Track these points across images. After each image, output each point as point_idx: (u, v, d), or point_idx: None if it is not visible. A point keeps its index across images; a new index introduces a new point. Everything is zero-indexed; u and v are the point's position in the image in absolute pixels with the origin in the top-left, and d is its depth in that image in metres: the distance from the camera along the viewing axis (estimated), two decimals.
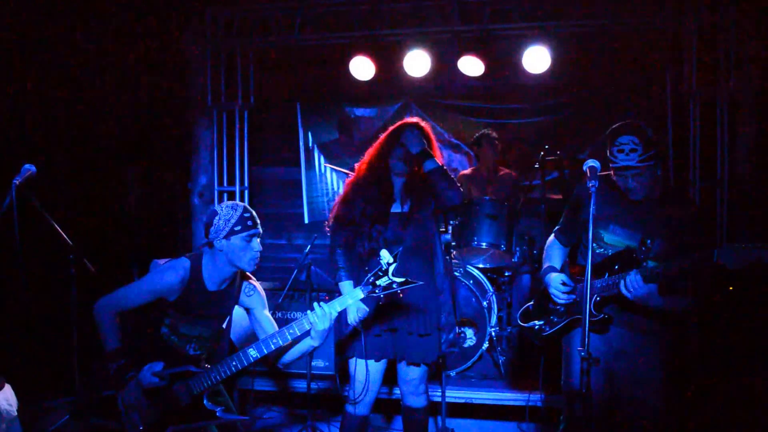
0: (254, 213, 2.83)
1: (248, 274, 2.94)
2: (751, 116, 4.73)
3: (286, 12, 5.15)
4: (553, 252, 3.07)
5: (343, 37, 5.16)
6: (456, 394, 4.13)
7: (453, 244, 4.60)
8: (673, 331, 2.85)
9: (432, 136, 3.25)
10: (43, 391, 4.14)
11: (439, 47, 5.17)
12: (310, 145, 6.08)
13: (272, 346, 2.65)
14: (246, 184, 5.59)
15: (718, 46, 4.64)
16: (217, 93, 5.40)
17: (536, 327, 3.02)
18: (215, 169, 5.51)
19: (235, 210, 2.77)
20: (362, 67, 5.14)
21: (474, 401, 4.15)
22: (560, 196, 4.91)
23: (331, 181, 6.09)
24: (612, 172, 2.74)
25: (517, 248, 4.74)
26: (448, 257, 3.37)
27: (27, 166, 3.04)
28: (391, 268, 2.52)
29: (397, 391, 3.28)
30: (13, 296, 3.67)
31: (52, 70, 5.00)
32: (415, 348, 3.06)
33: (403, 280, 2.52)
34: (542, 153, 4.61)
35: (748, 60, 4.67)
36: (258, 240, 2.80)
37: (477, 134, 5.37)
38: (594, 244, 2.84)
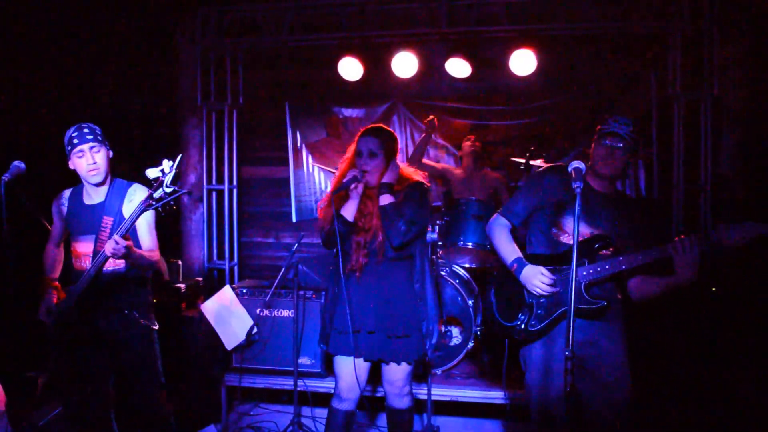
0: (87, 128, 2.99)
1: (142, 186, 3.09)
2: (735, 119, 4.83)
3: (275, 13, 5.18)
4: (507, 237, 3.03)
5: (331, 38, 5.19)
6: (441, 392, 4.16)
7: (440, 243, 4.66)
8: (628, 317, 2.94)
9: (397, 139, 3.19)
10: (32, 387, 4.15)
11: (426, 49, 5.23)
12: (299, 144, 6.11)
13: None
14: (234, 183, 5.62)
15: (702, 50, 4.72)
16: (207, 92, 5.42)
17: (522, 323, 2.91)
18: (204, 167, 5.53)
19: (68, 132, 3.01)
20: (350, 68, 5.18)
21: (459, 399, 4.18)
22: None
23: (319, 180, 6.13)
24: (595, 143, 2.87)
25: None
26: (431, 265, 3.27)
27: (16, 163, 3.05)
28: (168, 178, 2.64)
29: (380, 389, 3.30)
30: (2, 293, 3.67)
31: (42, 69, 5.00)
32: (394, 349, 3.06)
33: (172, 190, 2.65)
34: (528, 155, 4.67)
35: (731, 64, 4.77)
36: (89, 154, 2.96)
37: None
38: (554, 230, 2.93)
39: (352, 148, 3.20)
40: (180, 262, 4.94)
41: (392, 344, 3.06)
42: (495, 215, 3.12)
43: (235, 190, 5.63)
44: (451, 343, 4.42)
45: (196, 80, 5.38)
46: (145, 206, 2.70)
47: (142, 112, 5.83)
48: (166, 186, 2.66)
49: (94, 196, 3.10)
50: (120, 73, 5.69)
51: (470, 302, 4.39)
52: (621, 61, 5.31)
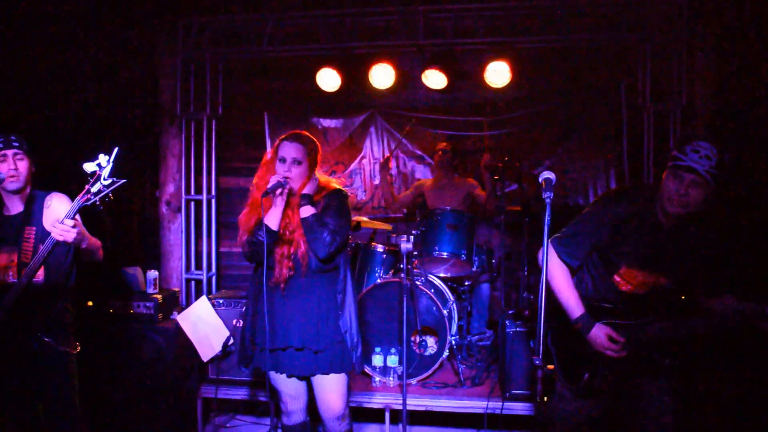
0: (15, 137, 3.03)
1: (59, 193, 3.14)
2: (703, 129, 4.91)
3: (255, 24, 5.22)
4: (569, 283, 2.70)
5: (310, 49, 5.23)
6: (416, 402, 4.19)
7: (415, 253, 4.70)
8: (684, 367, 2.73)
9: (319, 148, 3.11)
10: None
11: (404, 60, 5.30)
12: None
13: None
14: (213, 193, 5.62)
15: (671, 62, 4.83)
16: (186, 102, 5.43)
17: (586, 383, 2.69)
18: (183, 177, 5.53)
19: None
20: (329, 79, 5.22)
21: (434, 409, 4.20)
22: (519, 208, 5.03)
23: None
24: (667, 172, 2.48)
25: (477, 258, 4.84)
26: (352, 275, 3.18)
27: None
28: (105, 172, 2.70)
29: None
30: None
31: (18, 75, 4.98)
32: (320, 362, 3.00)
33: (110, 181, 2.71)
34: (501, 165, 4.72)
35: (699, 75, 4.87)
36: (11, 159, 2.99)
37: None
38: (619, 279, 2.66)
39: (271, 154, 3.09)
40: (157, 273, 4.93)
41: (318, 358, 3.00)
42: (550, 247, 2.69)
43: (213, 201, 5.64)
44: (426, 353, 4.45)
45: (175, 90, 5.38)
46: (83, 200, 2.73)
47: (122, 122, 5.81)
48: (104, 179, 2.71)
49: (12, 207, 3.10)
50: (100, 83, 5.67)
51: (445, 312, 4.42)
52: (593, 73, 5.39)
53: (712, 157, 2.37)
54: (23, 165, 3.05)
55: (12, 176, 3.00)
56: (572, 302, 2.66)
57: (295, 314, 3.01)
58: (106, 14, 5.22)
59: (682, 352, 2.60)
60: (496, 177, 4.78)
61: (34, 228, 3.02)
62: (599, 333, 2.59)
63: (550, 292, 2.70)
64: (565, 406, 2.81)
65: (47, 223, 3.02)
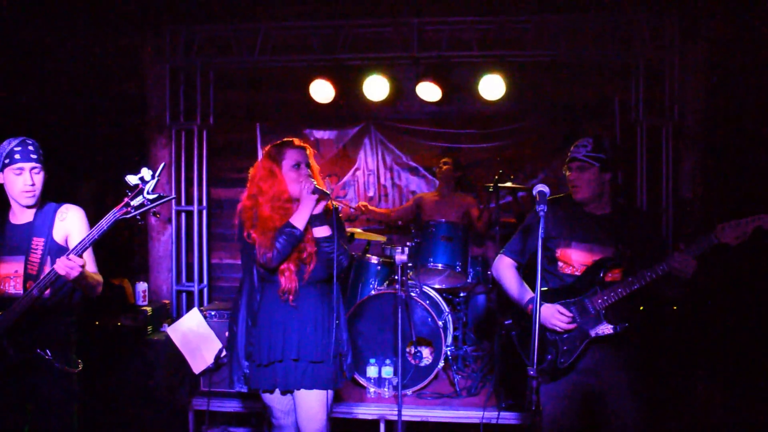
0: (33, 146, 2.83)
1: (74, 206, 2.97)
2: (694, 144, 4.99)
3: (246, 33, 5.21)
4: (516, 277, 3.05)
5: (303, 59, 5.24)
6: (412, 413, 4.17)
7: (410, 265, 4.68)
8: (632, 340, 2.92)
9: (312, 158, 3.10)
10: None
11: (398, 72, 5.32)
12: None
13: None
14: (204, 204, 5.57)
15: (663, 77, 4.90)
16: (176, 112, 5.38)
17: (550, 363, 2.89)
18: (173, 188, 5.47)
19: (9, 143, 2.81)
20: (322, 90, 5.22)
21: (430, 420, 4.19)
22: (514, 220, 5.05)
23: None
24: (565, 172, 2.95)
25: (472, 269, 4.85)
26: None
27: None
28: (149, 186, 2.56)
29: None
30: None
31: (7, 84, 4.93)
32: (314, 375, 2.97)
33: (156, 196, 2.57)
34: (496, 177, 4.74)
35: (691, 91, 4.95)
36: (28, 174, 2.80)
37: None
38: (560, 263, 2.95)
39: (269, 164, 3.06)
40: (146, 285, 4.86)
41: (313, 370, 2.97)
42: (499, 256, 3.13)
43: (204, 212, 5.58)
44: (422, 364, 4.43)
45: (164, 99, 5.33)
46: (120, 214, 2.58)
47: (110, 132, 5.76)
48: (147, 193, 2.58)
49: (21, 216, 2.92)
50: (87, 91, 5.62)
51: (440, 323, 4.41)
52: (587, 87, 5.45)
53: (587, 144, 2.87)
54: (40, 179, 2.85)
55: (28, 191, 2.82)
56: (521, 291, 2.98)
57: (295, 325, 2.98)
58: (91, 22, 5.19)
59: (629, 315, 2.85)
60: (490, 189, 4.77)
61: (42, 239, 2.85)
62: (547, 311, 2.87)
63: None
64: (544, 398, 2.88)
65: (58, 235, 2.89)
